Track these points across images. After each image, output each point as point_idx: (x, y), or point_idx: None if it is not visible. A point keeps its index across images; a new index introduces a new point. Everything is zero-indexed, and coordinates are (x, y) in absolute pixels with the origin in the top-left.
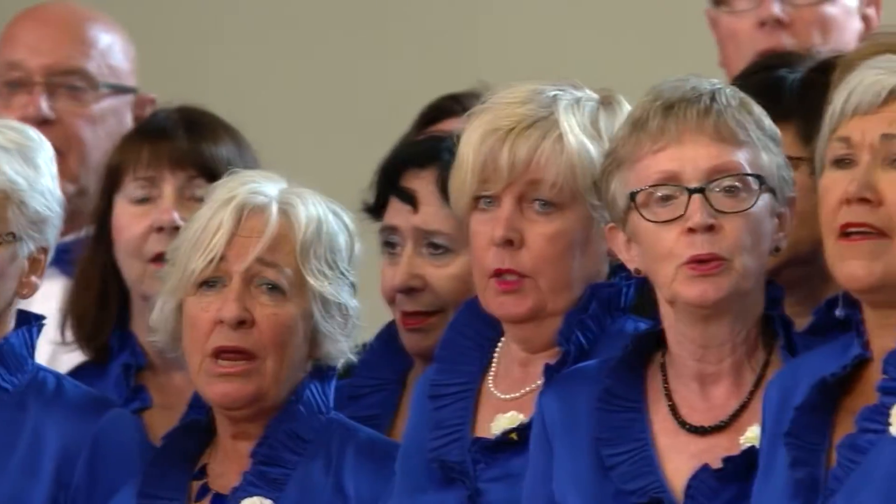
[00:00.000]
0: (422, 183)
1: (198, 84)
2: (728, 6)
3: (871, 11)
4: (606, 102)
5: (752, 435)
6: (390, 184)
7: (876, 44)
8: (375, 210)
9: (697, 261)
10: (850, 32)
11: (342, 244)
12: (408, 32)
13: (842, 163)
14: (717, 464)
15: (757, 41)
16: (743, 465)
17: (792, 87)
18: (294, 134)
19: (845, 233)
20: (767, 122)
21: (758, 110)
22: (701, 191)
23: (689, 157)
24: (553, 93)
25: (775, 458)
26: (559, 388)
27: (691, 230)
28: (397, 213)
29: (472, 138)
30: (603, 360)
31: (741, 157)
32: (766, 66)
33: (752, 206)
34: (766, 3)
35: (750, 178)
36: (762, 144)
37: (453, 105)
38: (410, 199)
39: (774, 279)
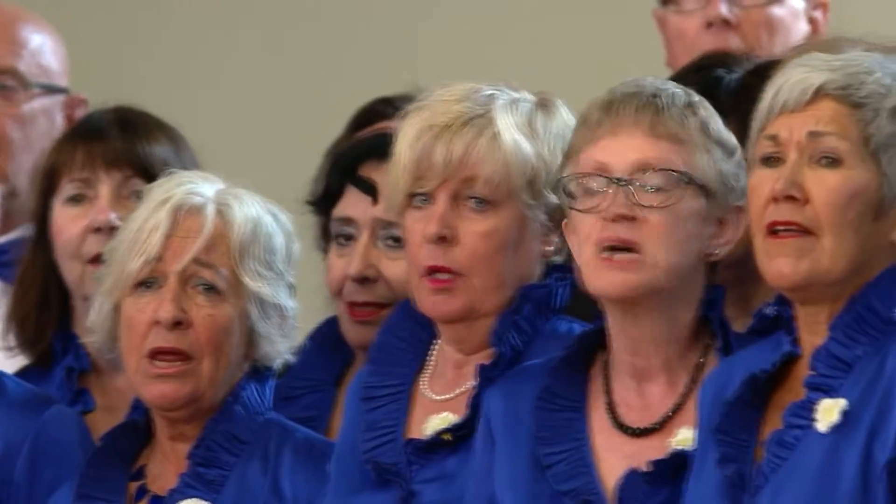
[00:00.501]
0: (381, 175)
1: (133, 86)
2: (676, 6)
3: (817, 14)
4: (543, 104)
5: (681, 438)
6: (348, 174)
7: (808, 46)
8: (324, 201)
9: (610, 248)
10: (796, 34)
11: (279, 245)
12: (347, 34)
13: (770, 160)
14: (645, 467)
15: (704, 41)
16: (671, 468)
17: (728, 88)
18: (230, 134)
19: (773, 230)
20: (716, 127)
21: (705, 115)
22: (625, 182)
23: (621, 149)
24: (490, 92)
25: (707, 457)
26: (504, 386)
27: (609, 219)
28: (354, 203)
29: (407, 135)
30: (548, 359)
31: (673, 155)
32: (704, 65)
33: (675, 202)
34: (714, 3)
35: (675, 174)
36: (702, 147)
37: (386, 108)
38: (371, 190)
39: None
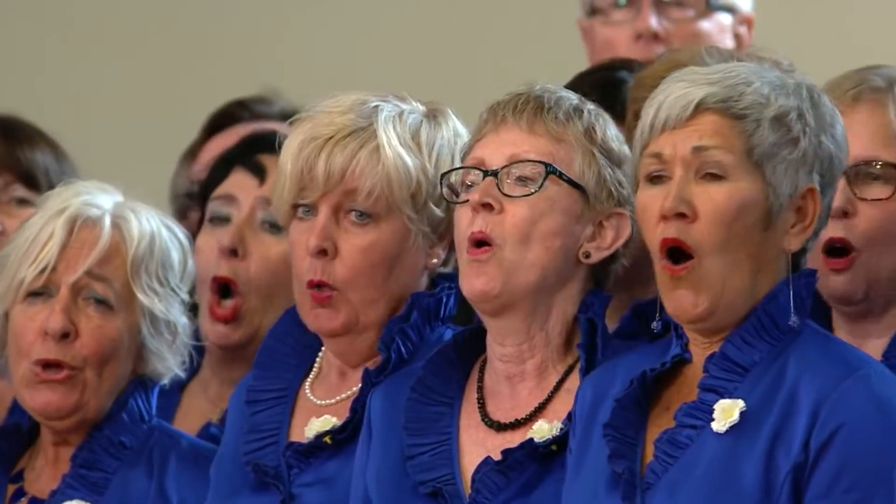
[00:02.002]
0: (272, 162)
1: (15, 99)
2: (604, 16)
3: (742, 30)
4: (432, 116)
5: (535, 428)
6: (239, 159)
7: (668, 60)
8: (205, 189)
9: (474, 243)
10: None
11: (175, 260)
12: (221, 43)
13: (655, 179)
14: (498, 456)
15: (632, 53)
16: (523, 458)
17: (629, 91)
18: (108, 145)
19: (670, 253)
20: (605, 135)
21: (592, 121)
22: (495, 174)
23: (499, 144)
24: (375, 104)
25: (586, 456)
26: (387, 386)
27: (473, 209)
28: (239, 184)
29: (291, 146)
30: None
31: (548, 151)
32: (608, 66)
33: (539, 194)
34: (644, 16)
35: (543, 165)
36: (582, 149)
37: (241, 111)
38: (260, 171)
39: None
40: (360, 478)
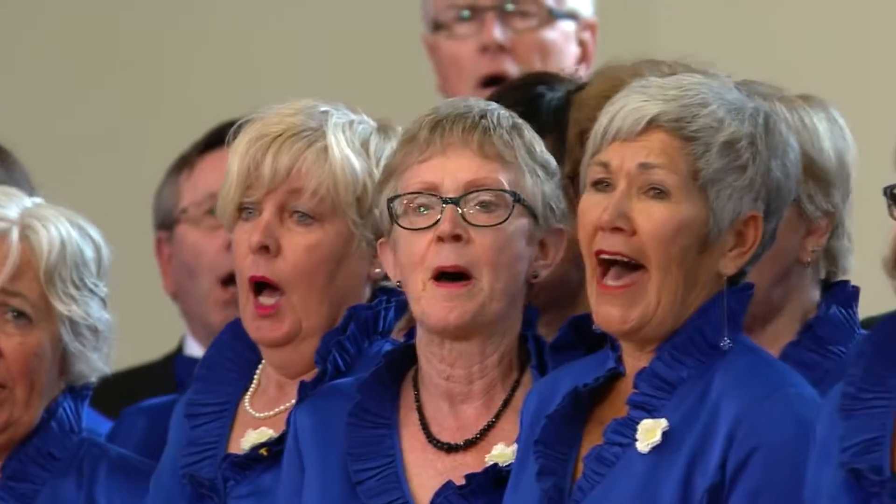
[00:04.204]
0: None
1: None
2: (448, 31)
3: (586, 36)
4: (383, 128)
5: (496, 453)
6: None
7: (609, 77)
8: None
9: (444, 275)
10: (568, 57)
11: (89, 259)
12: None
13: (600, 185)
14: (461, 481)
15: (480, 66)
16: (486, 482)
17: (550, 106)
18: (61, 152)
19: (603, 263)
20: (540, 149)
21: (530, 136)
22: (455, 202)
23: (451, 169)
24: (326, 109)
25: (526, 469)
26: (313, 403)
27: (440, 239)
28: None
29: (239, 145)
30: (358, 377)
31: (502, 176)
32: (526, 82)
33: (504, 221)
34: (488, 28)
35: (506, 194)
36: (528, 169)
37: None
38: None
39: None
40: (290, 497)
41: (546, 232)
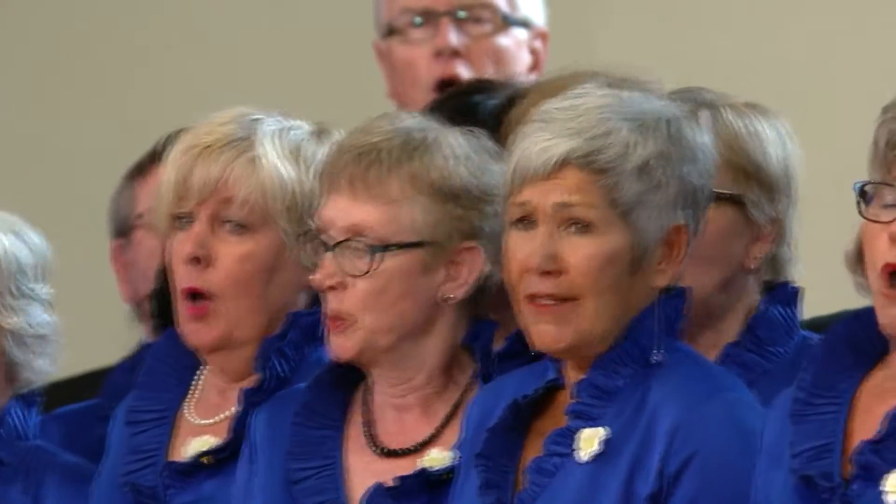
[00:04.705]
0: None
1: None
2: (402, 36)
3: (538, 45)
4: (318, 133)
5: (429, 457)
6: None
7: (543, 93)
8: None
9: (329, 317)
10: (521, 64)
11: (26, 265)
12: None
13: (522, 223)
14: (391, 482)
15: (433, 70)
16: (415, 485)
17: (486, 113)
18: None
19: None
20: (432, 174)
21: (417, 162)
22: (332, 248)
23: (336, 211)
24: (258, 117)
25: (468, 481)
26: (269, 408)
27: (323, 289)
28: None
29: (171, 156)
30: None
31: (377, 218)
32: (464, 91)
33: (378, 269)
34: (443, 33)
35: (373, 244)
36: (411, 201)
37: None
38: None
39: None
40: (241, 499)
41: (451, 254)
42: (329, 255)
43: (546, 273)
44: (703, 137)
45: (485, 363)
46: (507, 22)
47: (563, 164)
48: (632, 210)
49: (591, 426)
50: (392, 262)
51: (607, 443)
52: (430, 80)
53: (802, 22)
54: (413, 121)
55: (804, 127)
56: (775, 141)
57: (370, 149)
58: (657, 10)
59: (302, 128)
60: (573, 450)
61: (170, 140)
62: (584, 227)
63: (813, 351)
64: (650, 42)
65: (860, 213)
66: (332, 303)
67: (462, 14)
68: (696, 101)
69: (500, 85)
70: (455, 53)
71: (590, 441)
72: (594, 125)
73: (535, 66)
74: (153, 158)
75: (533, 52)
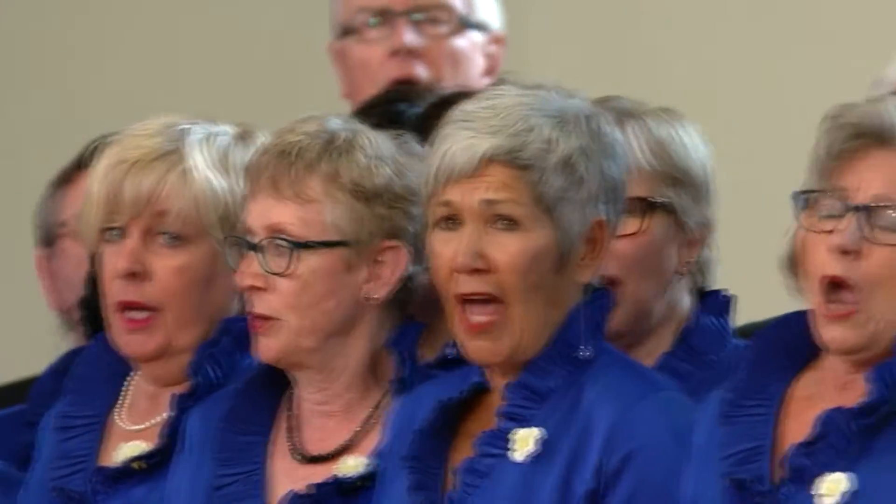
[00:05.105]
0: None
1: None
2: (358, 36)
3: (493, 49)
4: (242, 137)
5: (343, 464)
6: None
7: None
8: None
9: (254, 317)
10: (476, 67)
11: None
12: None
13: (446, 223)
14: (306, 489)
15: (390, 69)
16: (329, 492)
17: (410, 121)
18: None
19: (463, 301)
20: (351, 174)
21: (336, 162)
22: (255, 247)
23: (257, 212)
24: (184, 127)
25: (393, 484)
26: (203, 408)
27: (244, 288)
28: None
29: (99, 170)
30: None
31: (296, 216)
32: (387, 99)
33: (297, 268)
34: (399, 33)
35: (289, 243)
36: (331, 200)
37: None
38: None
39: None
40: (175, 499)
41: (373, 253)
42: (253, 255)
43: (475, 271)
44: (619, 134)
45: (405, 366)
46: (463, 24)
47: (487, 161)
48: (556, 205)
49: (523, 427)
50: (314, 261)
51: (543, 442)
52: (386, 79)
53: (725, 28)
54: (338, 122)
55: (718, 134)
56: (694, 145)
57: (292, 148)
58: (585, 17)
59: (227, 133)
60: (507, 450)
61: (95, 149)
62: (510, 223)
63: (743, 353)
64: (576, 50)
65: (797, 219)
66: (256, 303)
67: (419, 15)
68: (615, 110)
69: (422, 92)
70: (411, 53)
71: (525, 441)
72: (516, 122)
73: (490, 70)
74: (78, 166)
75: (488, 55)
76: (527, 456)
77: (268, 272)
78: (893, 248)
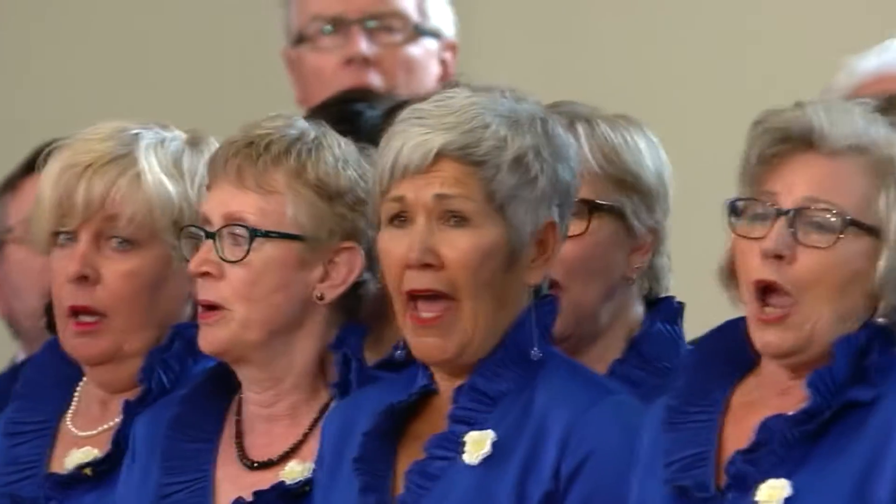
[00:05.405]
0: None
1: None
2: (312, 43)
3: (448, 56)
4: (193, 143)
5: (287, 470)
6: None
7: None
8: None
9: (201, 306)
10: (430, 74)
11: None
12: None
13: (397, 220)
14: (249, 497)
15: (343, 78)
16: (273, 499)
17: (368, 124)
18: None
19: (413, 297)
20: (316, 171)
21: (301, 158)
22: (212, 235)
23: (215, 201)
24: (136, 131)
25: (334, 491)
26: (149, 414)
27: (194, 275)
28: None
29: (50, 174)
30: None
31: (257, 206)
32: (345, 99)
33: (244, 258)
34: (353, 41)
35: (246, 230)
36: (294, 194)
37: None
38: None
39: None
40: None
41: (329, 252)
42: (208, 242)
43: (425, 266)
44: (569, 137)
45: (349, 368)
46: (417, 32)
47: (440, 156)
48: (508, 203)
49: (474, 430)
50: (269, 251)
51: (496, 445)
52: (340, 87)
53: (673, 33)
54: (306, 122)
55: (674, 140)
56: (649, 151)
57: (261, 140)
58: (533, 23)
59: (178, 138)
60: (459, 453)
61: (43, 154)
62: (461, 220)
63: (685, 360)
64: (522, 53)
65: (731, 228)
66: (205, 291)
67: (373, 23)
68: (569, 114)
69: (380, 96)
70: (365, 61)
71: (479, 444)
72: (469, 119)
73: (444, 77)
74: (25, 172)
75: (442, 62)
76: (480, 458)
77: (222, 259)
78: (822, 251)
